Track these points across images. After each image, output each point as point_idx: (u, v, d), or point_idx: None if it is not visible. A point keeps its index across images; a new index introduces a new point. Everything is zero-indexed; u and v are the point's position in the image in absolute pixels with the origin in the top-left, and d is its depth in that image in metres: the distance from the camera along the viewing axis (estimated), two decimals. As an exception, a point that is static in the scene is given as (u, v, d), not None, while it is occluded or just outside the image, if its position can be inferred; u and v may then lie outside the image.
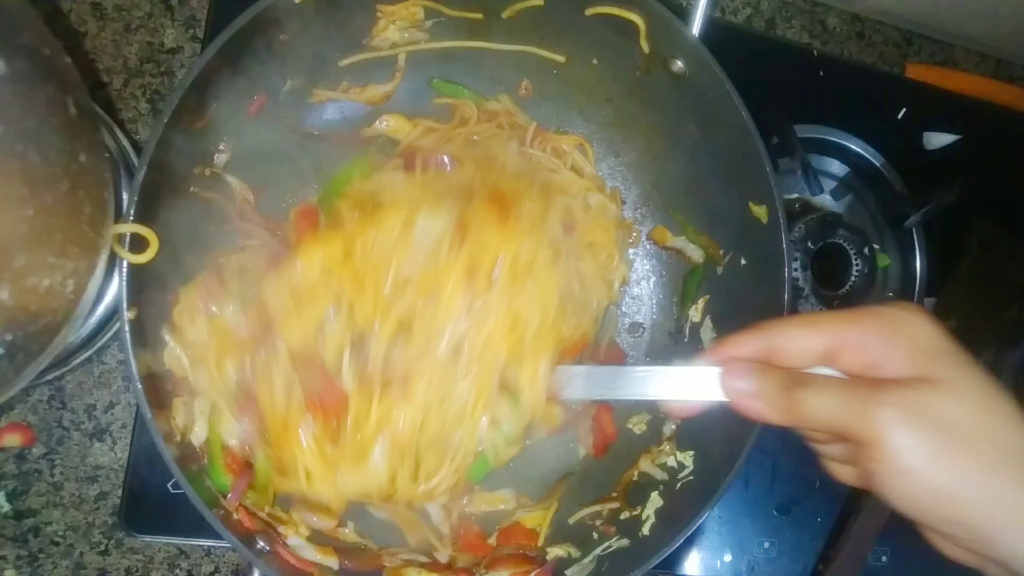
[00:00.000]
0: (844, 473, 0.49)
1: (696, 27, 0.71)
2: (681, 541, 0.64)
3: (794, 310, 0.86)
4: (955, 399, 0.38)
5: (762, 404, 0.45)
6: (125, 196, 0.67)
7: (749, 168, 0.68)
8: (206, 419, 0.65)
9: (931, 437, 0.38)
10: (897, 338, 0.41)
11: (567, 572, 0.70)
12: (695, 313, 0.80)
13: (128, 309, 0.58)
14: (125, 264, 0.57)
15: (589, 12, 0.70)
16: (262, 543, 0.62)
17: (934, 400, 0.38)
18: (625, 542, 0.71)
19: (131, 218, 0.57)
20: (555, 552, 0.72)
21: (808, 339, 0.45)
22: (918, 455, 0.38)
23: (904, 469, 0.38)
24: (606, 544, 0.71)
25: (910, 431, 0.38)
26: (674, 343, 0.82)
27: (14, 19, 0.48)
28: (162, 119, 0.58)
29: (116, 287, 0.62)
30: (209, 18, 0.80)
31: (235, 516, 0.63)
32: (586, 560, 0.71)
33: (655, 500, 0.72)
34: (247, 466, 0.66)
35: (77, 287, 0.51)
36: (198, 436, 0.65)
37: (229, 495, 0.64)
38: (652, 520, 0.71)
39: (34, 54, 0.49)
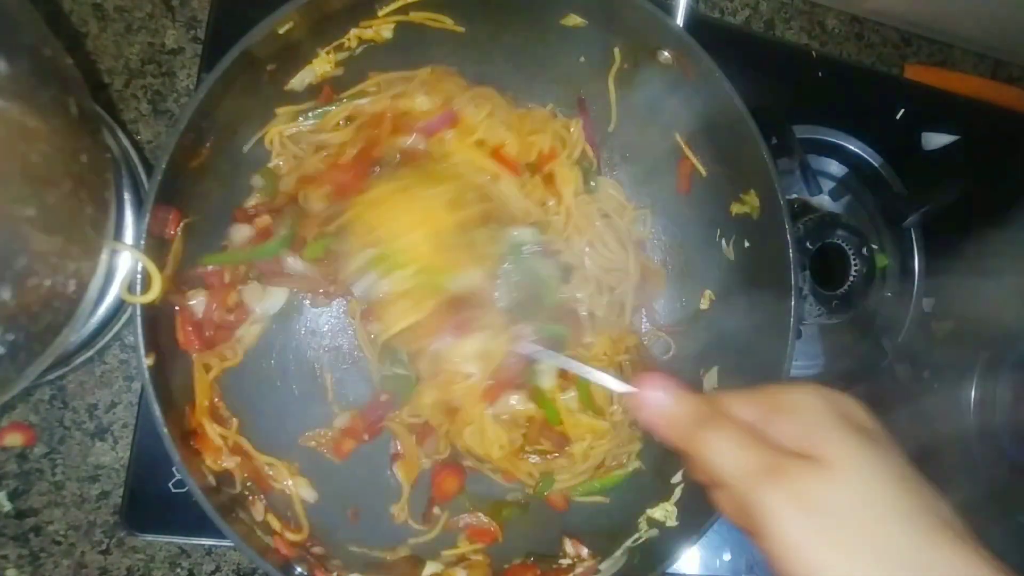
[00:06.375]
0: (727, 509, 0.48)
1: (680, 18, 0.71)
2: (709, 528, 0.65)
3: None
4: (836, 484, 0.40)
5: (668, 424, 0.47)
6: (126, 196, 0.68)
7: (746, 155, 0.69)
8: None
9: (810, 523, 0.40)
10: (789, 416, 0.44)
11: (601, 567, 0.71)
12: (703, 301, 0.81)
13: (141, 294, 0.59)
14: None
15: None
16: (300, 569, 0.64)
17: (816, 485, 0.40)
18: (655, 532, 0.72)
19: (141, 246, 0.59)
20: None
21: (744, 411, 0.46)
22: (799, 537, 0.40)
23: (785, 549, 0.40)
24: (636, 536, 0.72)
25: (793, 517, 0.40)
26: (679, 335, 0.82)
27: (15, 19, 0.49)
28: (160, 164, 0.59)
29: (116, 287, 0.62)
30: (210, 19, 0.80)
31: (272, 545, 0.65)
32: (617, 553, 0.71)
33: (677, 492, 0.73)
34: None
35: (79, 287, 0.51)
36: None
37: None
38: (677, 511, 0.72)
39: (35, 55, 0.49)
